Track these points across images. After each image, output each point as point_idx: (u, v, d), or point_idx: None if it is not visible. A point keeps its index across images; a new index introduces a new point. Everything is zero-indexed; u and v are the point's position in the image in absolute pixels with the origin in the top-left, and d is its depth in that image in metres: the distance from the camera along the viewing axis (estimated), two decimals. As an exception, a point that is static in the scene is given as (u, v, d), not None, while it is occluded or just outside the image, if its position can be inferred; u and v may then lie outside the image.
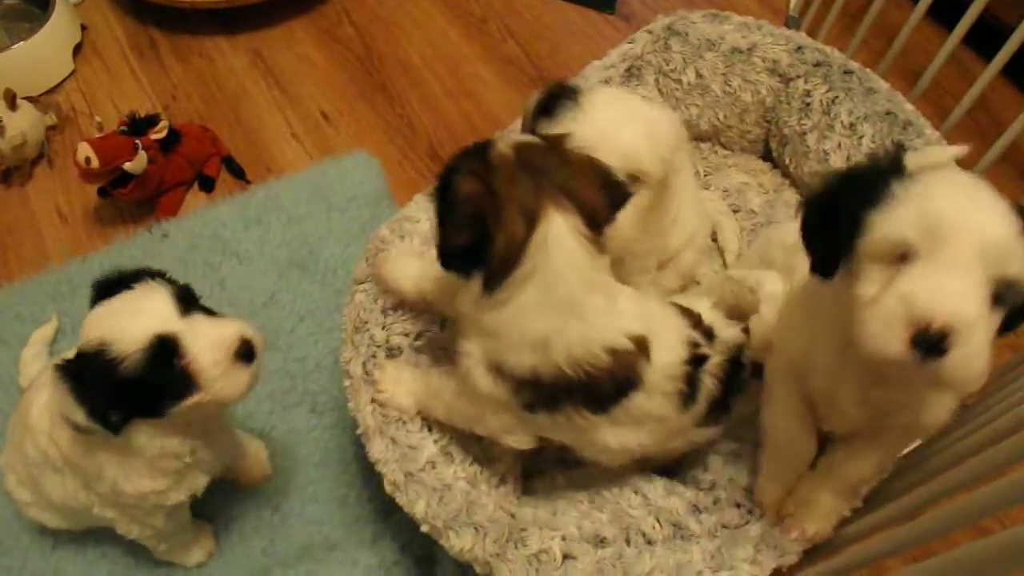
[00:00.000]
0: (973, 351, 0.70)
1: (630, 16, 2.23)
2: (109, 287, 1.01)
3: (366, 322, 1.17)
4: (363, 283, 1.21)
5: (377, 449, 1.07)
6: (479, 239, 0.84)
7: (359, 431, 1.10)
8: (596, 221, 0.86)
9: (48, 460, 1.12)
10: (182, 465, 1.09)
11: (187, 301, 1.00)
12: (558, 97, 1.07)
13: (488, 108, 2.02)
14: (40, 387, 1.15)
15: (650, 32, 1.61)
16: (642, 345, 0.91)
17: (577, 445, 1.02)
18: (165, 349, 0.95)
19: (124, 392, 0.94)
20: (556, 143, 0.91)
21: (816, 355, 0.92)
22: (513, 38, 2.17)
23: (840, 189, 0.82)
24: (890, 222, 0.75)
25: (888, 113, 1.43)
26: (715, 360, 0.99)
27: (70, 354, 0.97)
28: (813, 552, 0.99)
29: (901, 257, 0.73)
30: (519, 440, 1.00)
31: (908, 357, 0.71)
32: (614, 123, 1.05)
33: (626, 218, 0.96)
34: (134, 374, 0.93)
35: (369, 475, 1.37)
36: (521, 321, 0.86)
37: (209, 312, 1.03)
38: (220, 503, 1.38)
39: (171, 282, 1.03)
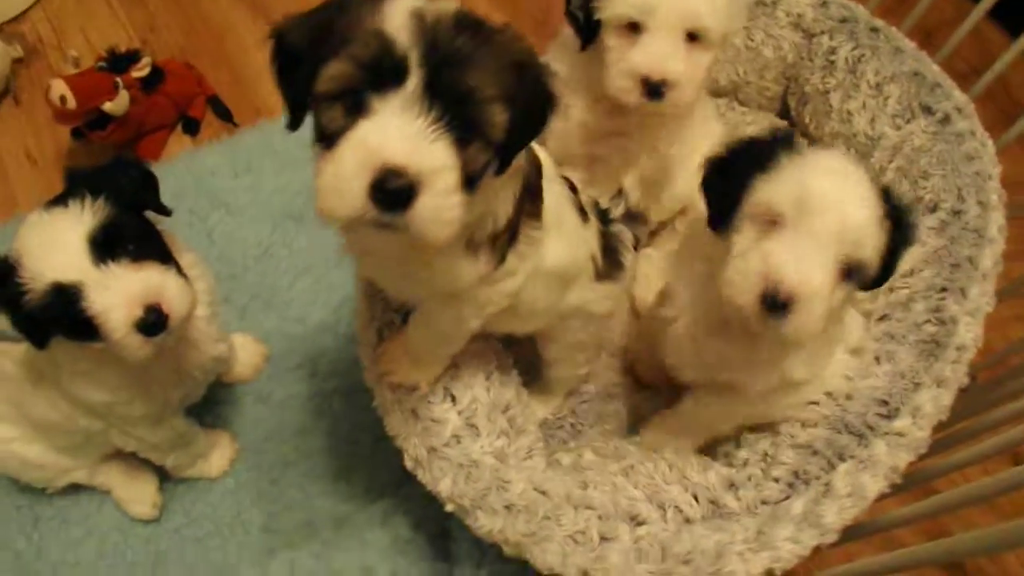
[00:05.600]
0: (810, 317, 0.80)
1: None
2: (73, 181, 0.97)
3: (382, 285, 1.09)
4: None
5: (395, 423, 1.00)
6: None
7: (375, 403, 1.03)
8: None
9: (26, 372, 1.10)
10: (130, 380, 1.04)
11: (111, 240, 0.93)
12: None
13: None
14: None
15: (672, -20, 1.51)
16: None
17: None
18: (64, 297, 0.90)
19: (31, 316, 0.92)
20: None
21: (677, 296, 1.01)
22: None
23: (738, 153, 0.90)
24: (769, 189, 0.83)
25: (916, 74, 1.37)
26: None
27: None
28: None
29: (772, 222, 0.82)
30: None
31: (755, 309, 0.81)
32: None
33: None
34: (34, 309, 0.91)
35: (376, 445, 1.30)
36: None
37: (144, 247, 0.97)
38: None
39: (123, 196, 0.97)
